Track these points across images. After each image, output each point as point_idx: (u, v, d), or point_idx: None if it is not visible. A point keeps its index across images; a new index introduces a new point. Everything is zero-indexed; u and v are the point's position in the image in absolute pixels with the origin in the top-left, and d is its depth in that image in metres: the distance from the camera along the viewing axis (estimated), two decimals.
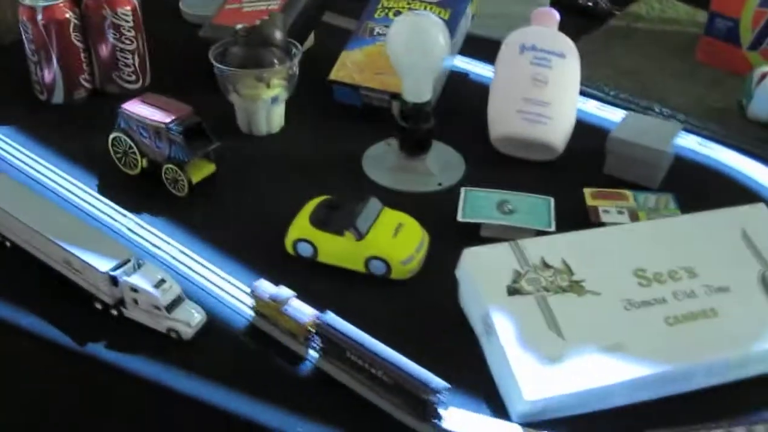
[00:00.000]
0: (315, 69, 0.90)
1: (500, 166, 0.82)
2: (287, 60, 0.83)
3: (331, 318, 0.58)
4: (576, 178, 0.79)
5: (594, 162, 0.81)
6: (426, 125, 0.77)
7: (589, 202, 0.74)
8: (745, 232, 0.63)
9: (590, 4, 1.18)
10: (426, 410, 0.53)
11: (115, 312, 0.63)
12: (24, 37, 0.89)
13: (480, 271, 0.59)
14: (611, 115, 0.90)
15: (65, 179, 0.80)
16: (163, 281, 0.61)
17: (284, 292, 0.61)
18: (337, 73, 0.89)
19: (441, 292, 0.65)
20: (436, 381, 0.53)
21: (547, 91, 0.82)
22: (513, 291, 0.58)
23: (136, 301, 0.61)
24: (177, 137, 0.74)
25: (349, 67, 0.89)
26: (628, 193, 0.75)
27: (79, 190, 0.78)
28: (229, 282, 0.67)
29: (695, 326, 0.57)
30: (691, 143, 0.86)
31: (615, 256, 0.61)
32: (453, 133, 0.85)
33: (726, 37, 0.97)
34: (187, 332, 0.61)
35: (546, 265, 0.60)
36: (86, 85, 0.93)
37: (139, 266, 0.62)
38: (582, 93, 0.93)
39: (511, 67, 0.85)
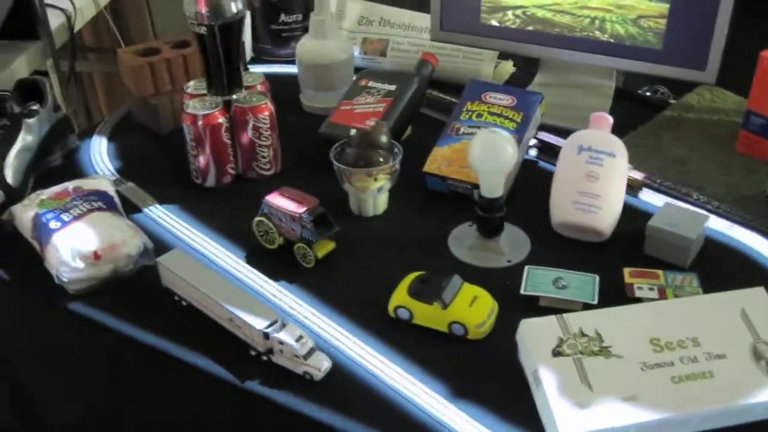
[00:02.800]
0: (412, 159, 1.12)
1: (559, 245, 1.02)
2: (391, 159, 1.06)
3: None
4: (621, 257, 0.98)
5: (637, 242, 1.00)
6: (498, 215, 0.98)
7: (627, 279, 0.93)
8: (744, 311, 0.82)
9: (649, 93, 1.36)
10: None
11: (264, 358, 0.86)
12: (186, 134, 1.14)
13: (532, 337, 0.80)
14: (656, 200, 1.09)
15: (220, 251, 1.04)
16: (301, 337, 0.84)
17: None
18: (429, 166, 1.11)
19: (506, 350, 0.86)
20: None
21: (598, 185, 1.01)
22: (556, 353, 0.78)
23: (281, 351, 0.84)
24: (308, 224, 0.97)
25: (439, 161, 1.11)
26: (659, 272, 0.94)
27: (231, 261, 1.02)
28: (347, 337, 0.89)
29: (695, 384, 0.75)
30: (721, 227, 1.04)
31: (636, 328, 0.80)
32: (522, 216, 1.05)
33: (760, 132, 1.15)
34: (318, 375, 0.83)
35: (582, 334, 0.80)
36: (231, 171, 1.17)
37: (284, 325, 0.85)
38: None
39: (570, 164, 1.05)
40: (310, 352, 0.83)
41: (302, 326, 0.89)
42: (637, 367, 0.77)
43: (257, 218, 1.03)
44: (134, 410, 1.01)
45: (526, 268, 0.95)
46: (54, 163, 1.23)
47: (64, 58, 1.70)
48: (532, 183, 1.13)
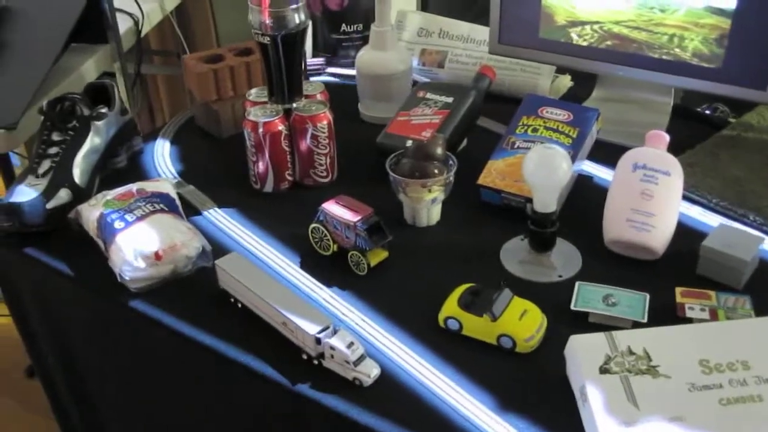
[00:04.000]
0: (466, 171, 1.14)
1: (611, 262, 1.02)
2: (445, 171, 1.08)
3: None
4: (673, 276, 0.98)
5: (690, 262, 1.00)
6: (550, 230, 0.99)
7: (678, 299, 0.93)
8: None
9: (708, 112, 1.35)
10: None
11: (316, 362, 0.88)
12: (246, 140, 1.17)
13: (580, 353, 0.81)
14: (711, 220, 1.08)
15: (276, 256, 1.07)
16: (352, 343, 0.86)
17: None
18: (484, 179, 1.12)
19: (554, 365, 0.86)
20: None
21: (652, 204, 1.01)
22: (604, 371, 0.79)
23: (332, 356, 0.86)
24: (362, 232, 0.99)
25: (494, 174, 1.12)
26: (711, 293, 0.93)
27: (286, 266, 1.05)
28: (396, 345, 0.91)
29: (743, 408, 0.75)
30: None
31: (686, 349, 0.80)
32: (575, 232, 1.06)
33: None
34: (367, 381, 0.85)
35: (631, 352, 0.80)
36: (289, 178, 1.20)
37: (336, 331, 0.87)
38: (688, 199, 1.12)
39: (624, 181, 1.05)
40: (361, 358, 0.85)
41: (353, 333, 0.91)
42: (684, 387, 0.77)
43: (313, 225, 1.05)
44: (185, 408, 1.05)
45: (577, 283, 0.95)
46: (119, 165, 1.28)
47: (129, 61, 1.75)
48: (586, 198, 1.13)
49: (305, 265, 1.05)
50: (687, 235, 1.04)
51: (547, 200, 0.97)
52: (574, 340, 0.83)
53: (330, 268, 1.04)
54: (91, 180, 1.20)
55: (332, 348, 0.86)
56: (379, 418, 0.82)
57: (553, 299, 0.95)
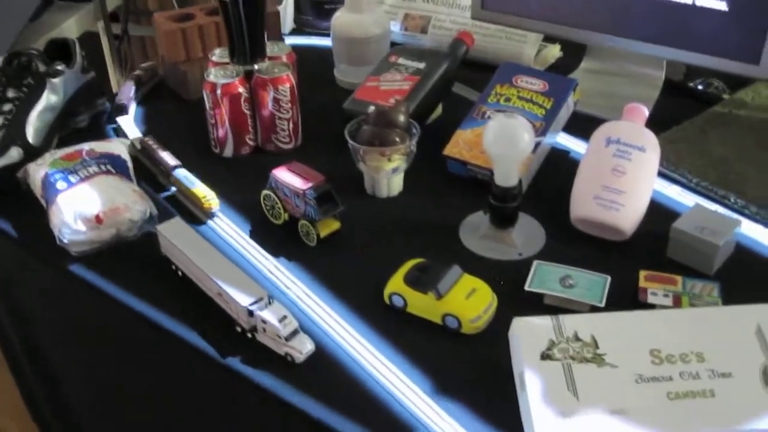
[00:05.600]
0: (436, 141, 1.08)
1: (576, 242, 0.96)
2: (407, 139, 1.02)
3: None
4: (641, 259, 0.92)
5: (662, 245, 0.93)
6: (512, 204, 0.93)
7: (642, 283, 0.87)
8: (760, 327, 0.75)
9: (701, 87, 1.28)
10: None
11: (249, 335, 0.83)
12: (205, 103, 1.12)
13: (522, 337, 0.75)
14: (690, 201, 1.01)
15: (226, 223, 1.02)
16: (285, 317, 0.80)
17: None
18: (450, 150, 1.06)
19: (500, 349, 0.81)
20: None
21: (623, 181, 0.95)
22: (545, 356, 0.73)
23: (264, 330, 0.81)
24: (312, 201, 0.94)
25: (461, 145, 1.06)
26: (678, 278, 0.87)
27: (235, 233, 0.99)
28: (336, 321, 0.86)
29: (693, 403, 0.69)
30: (756, 235, 0.96)
31: (637, 337, 0.74)
32: (542, 209, 1.00)
33: None
34: (299, 357, 0.80)
35: (577, 338, 0.74)
36: (251, 143, 1.15)
37: (270, 304, 0.82)
38: (667, 177, 1.06)
39: (596, 156, 0.98)
40: (294, 333, 0.80)
41: (294, 306, 0.86)
42: (630, 378, 0.71)
43: (264, 191, 1.00)
44: (117, 374, 1.00)
45: (535, 263, 0.90)
46: (80, 125, 1.23)
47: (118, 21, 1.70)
48: (558, 174, 1.06)
49: (255, 234, 0.99)
50: (661, 216, 0.98)
51: (508, 173, 0.91)
52: (517, 322, 0.77)
53: (281, 237, 0.99)
54: (47, 139, 1.16)
55: (264, 321, 0.81)
56: (308, 397, 0.77)
57: (509, 278, 0.89)
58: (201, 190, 1.04)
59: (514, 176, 0.92)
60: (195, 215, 1.03)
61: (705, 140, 1.13)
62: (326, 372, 0.80)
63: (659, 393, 0.70)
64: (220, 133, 1.12)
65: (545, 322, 0.76)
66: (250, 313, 0.81)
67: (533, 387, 0.71)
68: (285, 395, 0.78)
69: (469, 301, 0.83)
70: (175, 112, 1.28)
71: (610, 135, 0.98)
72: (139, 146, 1.13)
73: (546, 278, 0.87)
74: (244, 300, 0.82)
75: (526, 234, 0.96)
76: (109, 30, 1.80)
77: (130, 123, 1.22)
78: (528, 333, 0.75)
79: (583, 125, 1.13)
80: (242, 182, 1.09)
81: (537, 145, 1.03)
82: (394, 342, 0.83)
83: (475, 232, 0.97)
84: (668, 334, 0.74)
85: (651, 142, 0.98)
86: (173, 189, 1.07)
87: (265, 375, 0.80)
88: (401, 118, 1.02)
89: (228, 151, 1.14)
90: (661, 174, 1.05)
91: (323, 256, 0.95)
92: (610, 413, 0.68)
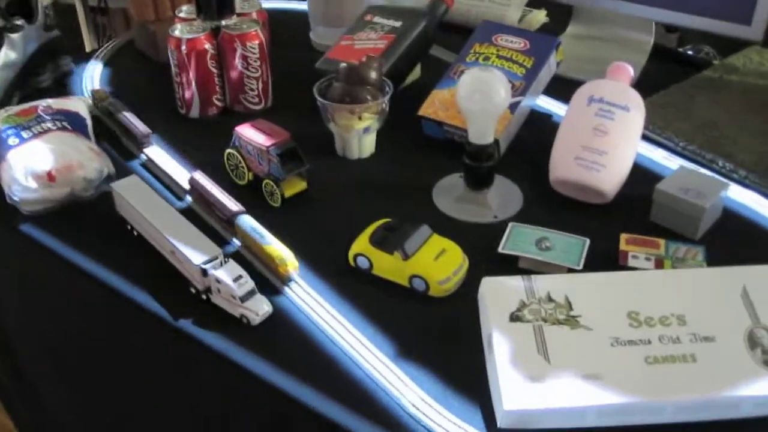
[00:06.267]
0: (413, 103, 1.03)
1: (556, 206, 0.91)
2: (380, 97, 0.96)
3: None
4: (623, 223, 0.87)
5: (645, 209, 0.88)
6: (487, 164, 0.88)
7: (623, 246, 0.82)
8: (746, 289, 0.70)
9: (691, 52, 1.23)
10: None
11: (204, 297, 0.78)
12: (170, 60, 1.07)
13: (491, 298, 0.70)
14: (676, 165, 0.97)
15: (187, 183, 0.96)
16: (240, 276, 0.75)
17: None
18: (426, 110, 1.01)
19: (470, 313, 0.76)
20: None
21: (605, 141, 0.90)
22: (515, 318, 0.68)
23: (219, 290, 0.76)
24: (275, 158, 0.89)
25: (437, 104, 1.01)
26: (660, 241, 0.82)
27: None
28: (296, 282, 0.81)
29: (672, 368, 0.64)
30: (745, 199, 0.91)
31: (614, 299, 0.69)
32: (520, 170, 0.95)
33: None
34: (255, 319, 0.75)
35: (550, 299, 0.69)
36: (218, 104, 1.10)
37: (225, 263, 0.77)
38: (652, 141, 1.01)
39: (577, 115, 0.93)
40: (250, 294, 0.75)
41: (252, 268, 0.81)
42: (606, 342, 0.66)
43: (228, 150, 0.94)
44: (69, 337, 0.95)
45: (510, 224, 0.85)
46: (42, 84, 1.18)
47: None
48: (539, 137, 1.01)
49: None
50: (645, 180, 0.93)
51: (482, 130, 0.86)
52: (486, 282, 0.72)
53: (244, 198, 0.93)
54: (6, 97, 1.10)
55: (218, 281, 0.75)
56: (264, 361, 0.72)
57: (483, 241, 0.84)
58: (277, 248, 0.80)
59: (490, 134, 0.86)
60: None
61: (692, 104, 1.08)
62: (284, 335, 0.75)
63: (637, 357, 0.65)
64: (186, 92, 1.07)
65: (516, 282, 0.71)
66: (204, 273, 0.76)
67: (501, 350, 0.66)
68: (238, 358, 0.73)
69: (437, 262, 0.78)
70: (142, 74, 1.23)
71: (593, 93, 0.93)
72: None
73: (521, 240, 0.82)
74: (197, 258, 0.77)
75: (503, 196, 0.91)
76: (85, 2, 1.73)
77: (95, 83, 1.17)
78: (497, 293, 0.70)
79: (568, 90, 1.07)
80: (208, 144, 1.04)
81: (516, 105, 0.98)
82: (357, 305, 0.78)
83: (450, 194, 0.92)
84: (647, 296, 0.69)
85: (635, 101, 0.93)
86: (143, 156, 1.01)
87: (218, 337, 0.75)
88: (373, 74, 0.97)
89: (194, 112, 1.09)
90: (646, 138, 1.01)
91: (288, 218, 0.90)
92: (583, 377, 0.64)
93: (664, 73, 1.16)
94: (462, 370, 0.70)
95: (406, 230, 0.80)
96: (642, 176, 0.94)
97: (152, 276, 0.83)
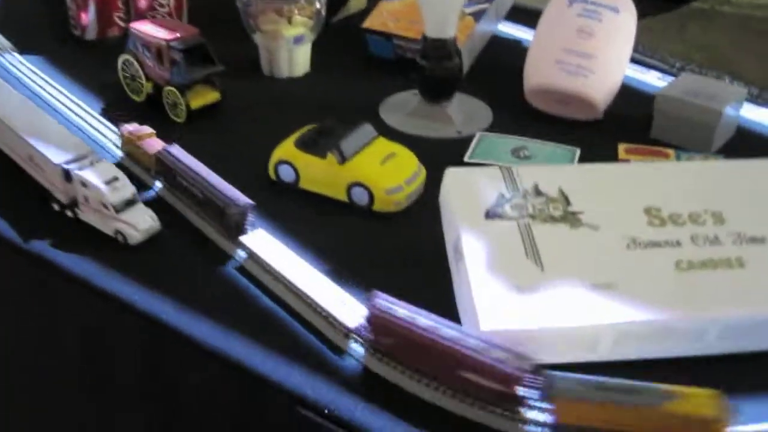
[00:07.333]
0: (356, 20, 0.85)
1: (532, 122, 0.73)
2: None
3: (174, 148, 0.60)
4: (616, 139, 0.69)
5: (641, 126, 0.71)
6: (448, 64, 0.70)
7: (622, 155, 0.64)
8: None
9: None
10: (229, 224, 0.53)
11: (70, 213, 0.58)
12: None
13: (459, 193, 0.51)
14: None
15: (76, 104, 0.76)
16: (116, 179, 0.55)
17: (144, 129, 0.63)
18: (371, 22, 0.83)
19: (430, 231, 0.57)
20: (243, 199, 0.54)
21: (591, 43, 0.73)
22: (492, 215, 0.49)
23: (86, 199, 0.56)
24: (178, 56, 0.69)
25: (385, 15, 0.83)
26: (670, 151, 0.65)
27: (86, 114, 0.74)
28: None
29: (714, 275, 0.46)
30: (760, 117, 0.75)
31: (626, 192, 0.51)
32: (485, 89, 0.77)
33: None
34: (134, 236, 0.55)
35: (539, 193, 0.50)
36: (120, 23, 0.90)
37: (95, 163, 0.57)
38: (643, 64, 0.84)
39: (556, 17, 0.76)
40: (129, 203, 0.55)
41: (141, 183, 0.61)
42: (620, 243, 0.48)
43: (123, 56, 0.75)
44: None
45: (478, 133, 0.66)
46: None
47: None
48: (507, 62, 0.84)
49: (109, 113, 0.74)
50: (639, 101, 0.76)
51: (441, 19, 0.68)
52: (452, 173, 0.53)
53: (141, 115, 0.73)
54: None
55: (84, 184, 0.55)
56: (145, 290, 0.52)
57: (445, 155, 0.65)
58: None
59: (450, 26, 0.69)
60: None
61: (684, 31, 0.92)
62: (171, 259, 0.55)
63: (664, 262, 0.46)
64: (81, 9, 0.87)
65: (492, 173, 0.52)
66: (67, 176, 0.56)
67: (474, 255, 0.47)
68: (110, 286, 0.53)
69: (384, 167, 0.59)
70: None
71: None
72: None
73: (493, 149, 0.64)
74: (58, 157, 0.57)
75: (467, 111, 0.73)
76: None
77: None
78: (466, 188, 0.51)
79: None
80: (104, 68, 0.83)
81: (480, 14, 0.81)
82: (279, 226, 0.58)
83: (401, 110, 0.74)
84: (670, 191, 0.51)
85: (626, 3, 0.76)
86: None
87: (84, 262, 0.55)
88: None
89: (91, 33, 0.89)
90: (635, 61, 0.84)
91: (194, 134, 0.71)
92: (590, 287, 0.45)
93: (651, 9, 1.00)
94: (421, 294, 0.50)
95: (342, 130, 0.61)
96: (636, 97, 0.77)
97: (7, 192, 0.62)
